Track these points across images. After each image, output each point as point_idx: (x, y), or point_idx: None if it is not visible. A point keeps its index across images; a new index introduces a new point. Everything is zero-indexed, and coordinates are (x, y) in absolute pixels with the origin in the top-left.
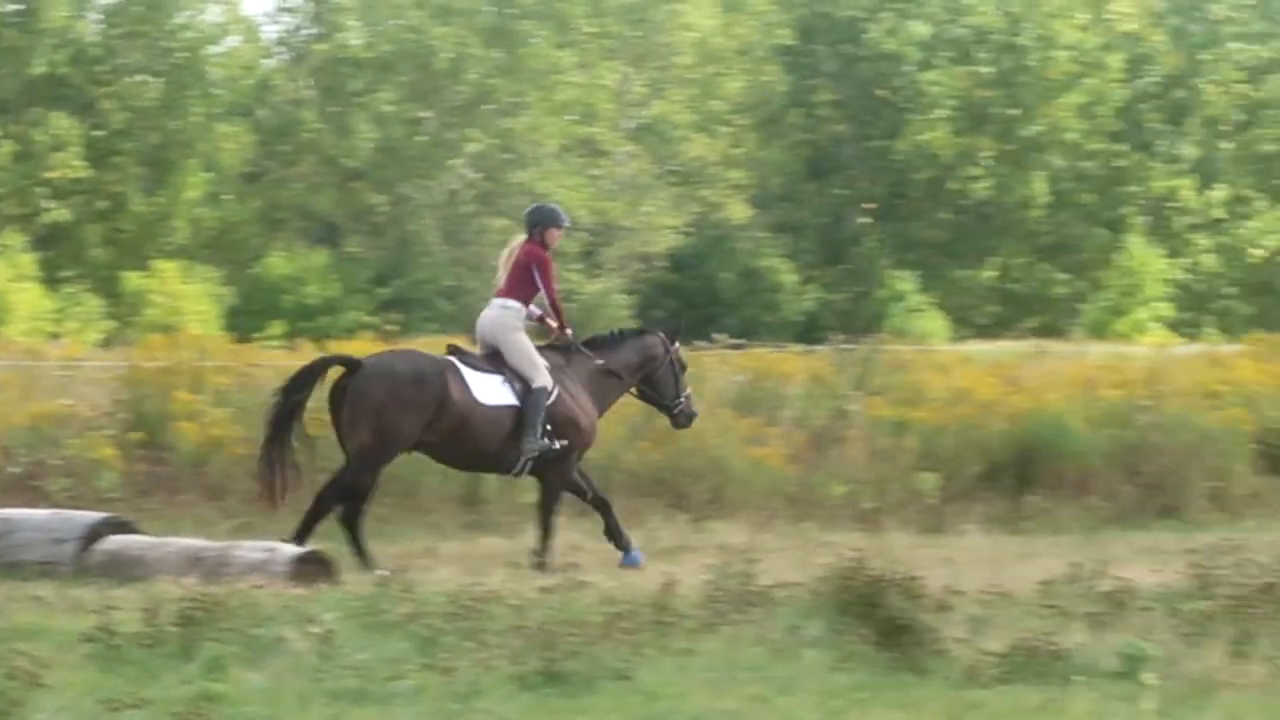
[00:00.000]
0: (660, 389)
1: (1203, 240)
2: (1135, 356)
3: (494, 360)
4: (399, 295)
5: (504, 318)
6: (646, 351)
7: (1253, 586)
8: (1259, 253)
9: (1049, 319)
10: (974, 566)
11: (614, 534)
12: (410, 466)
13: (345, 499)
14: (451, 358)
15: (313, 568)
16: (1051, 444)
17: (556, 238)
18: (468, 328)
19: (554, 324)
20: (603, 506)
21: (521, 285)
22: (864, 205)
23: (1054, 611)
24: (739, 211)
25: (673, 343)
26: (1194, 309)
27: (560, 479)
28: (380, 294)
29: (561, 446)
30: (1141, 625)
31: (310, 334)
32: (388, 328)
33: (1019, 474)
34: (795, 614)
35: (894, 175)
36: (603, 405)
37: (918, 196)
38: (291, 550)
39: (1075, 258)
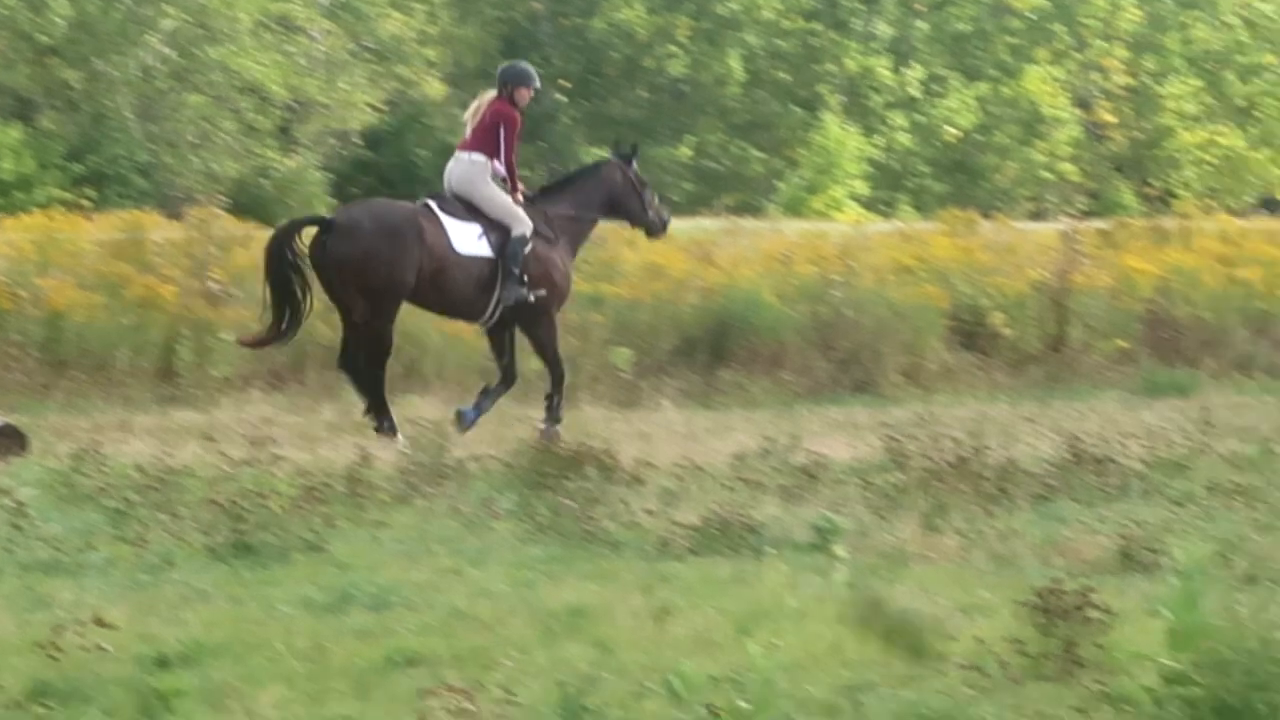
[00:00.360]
0: (627, 213)
1: (898, 119)
2: (830, 233)
3: (472, 210)
4: (94, 171)
5: (472, 172)
6: (607, 183)
7: (944, 460)
8: (953, 131)
9: (745, 196)
10: (668, 441)
11: (481, 404)
12: (102, 339)
13: (381, 358)
14: (430, 202)
15: (4, 440)
16: (746, 319)
17: (526, 98)
18: (162, 203)
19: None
20: (508, 380)
21: (488, 140)
22: (560, 83)
23: (747, 485)
24: (435, 89)
25: (629, 164)
26: (889, 187)
27: (548, 331)
28: (75, 170)
29: (538, 298)
30: (834, 498)
31: (3, 209)
32: (83, 203)
33: (713, 349)
34: (488, 487)
35: (590, 53)
36: (575, 249)
37: (614, 74)
38: None
39: (771, 135)
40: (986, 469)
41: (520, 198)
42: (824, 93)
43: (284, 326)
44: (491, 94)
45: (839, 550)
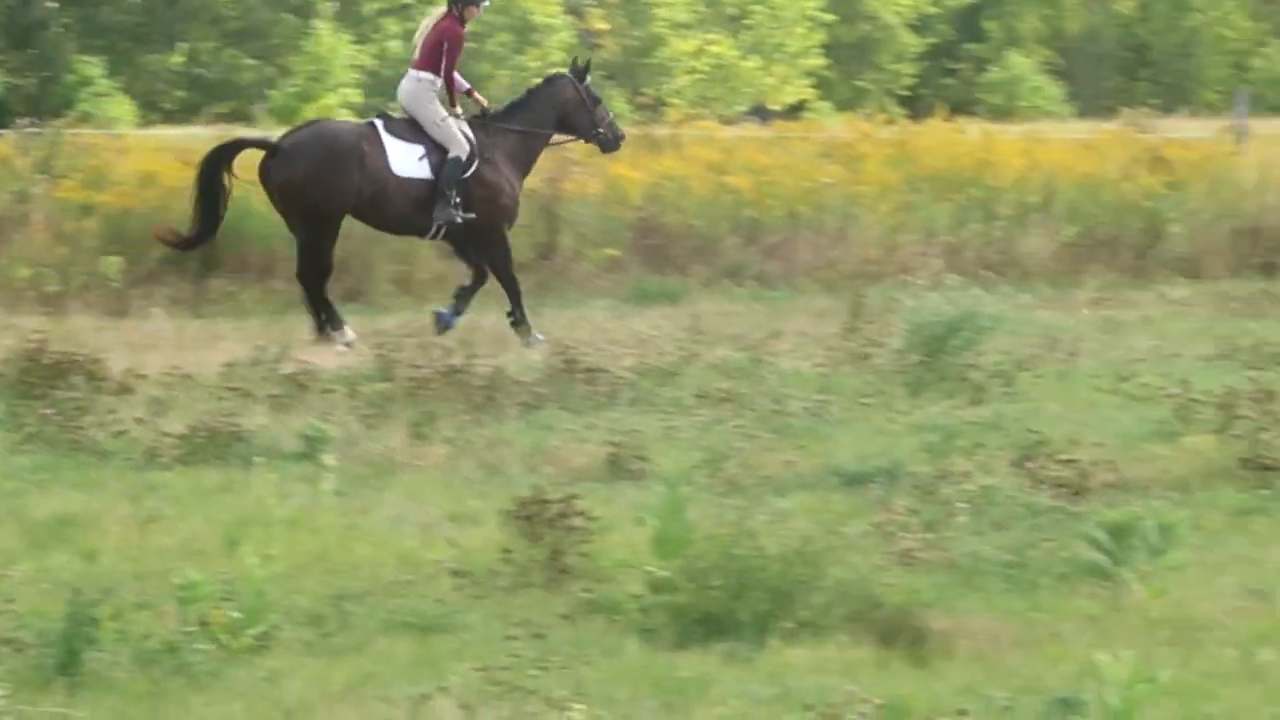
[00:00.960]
0: (577, 129)
1: (391, 26)
2: None
3: (417, 129)
4: None
5: (418, 90)
6: (557, 98)
7: (434, 369)
8: None
9: (237, 104)
10: (157, 349)
11: (458, 306)
12: None
13: (323, 276)
14: (376, 122)
15: None
16: (236, 227)
17: (475, 15)
18: None
19: (480, 99)
20: (480, 278)
21: (435, 58)
22: None
23: (236, 394)
24: None
25: (581, 80)
26: (383, 95)
27: (500, 252)
28: None
29: (465, 219)
30: (323, 407)
31: None
32: None
33: (204, 257)
34: None
35: None
36: (528, 167)
37: None
38: None
39: (264, 43)
40: (476, 378)
41: (459, 111)
42: (316, 0)
43: (197, 234)
44: (441, 11)
45: (327, 459)
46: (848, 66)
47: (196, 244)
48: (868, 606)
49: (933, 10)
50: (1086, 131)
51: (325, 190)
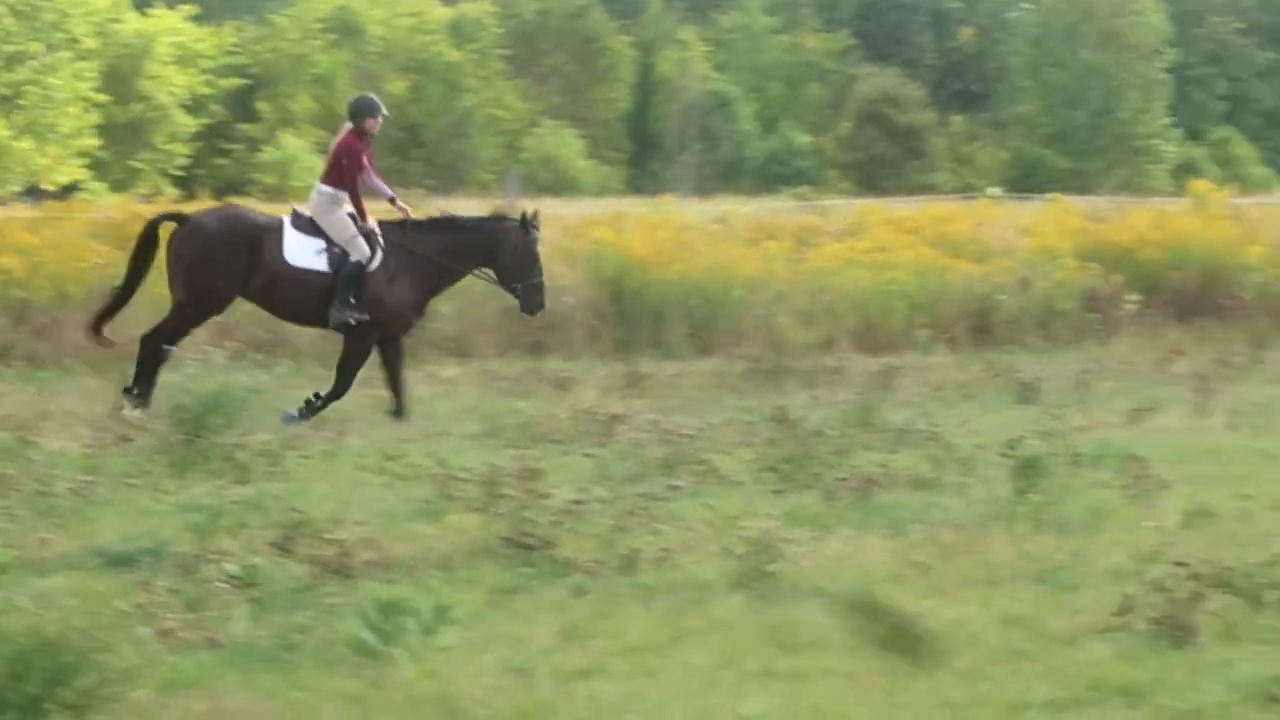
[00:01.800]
0: (503, 270)
1: None
2: None
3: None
4: None
5: (321, 202)
6: (498, 236)
7: None
8: None
9: None
10: None
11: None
12: None
13: (168, 344)
14: (285, 217)
15: None
16: None
17: (375, 126)
18: None
19: (404, 208)
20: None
21: (338, 173)
22: None
23: None
24: None
25: (527, 231)
26: None
27: (358, 352)
28: None
29: (358, 322)
30: None
31: None
32: None
33: None
34: None
35: None
36: (435, 287)
37: None
38: None
39: None
40: None
41: (372, 223)
42: None
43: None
44: (347, 125)
45: None
46: (122, 147)
47: (115, 309)
48: (131, 687)
49: (206, 91)
50: None
51: (211, 271)
